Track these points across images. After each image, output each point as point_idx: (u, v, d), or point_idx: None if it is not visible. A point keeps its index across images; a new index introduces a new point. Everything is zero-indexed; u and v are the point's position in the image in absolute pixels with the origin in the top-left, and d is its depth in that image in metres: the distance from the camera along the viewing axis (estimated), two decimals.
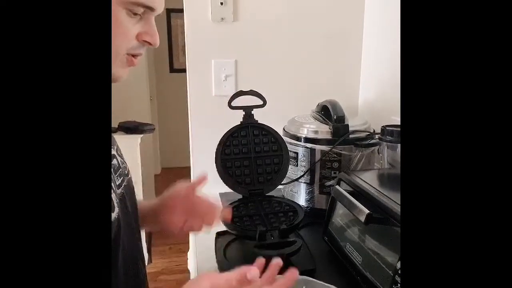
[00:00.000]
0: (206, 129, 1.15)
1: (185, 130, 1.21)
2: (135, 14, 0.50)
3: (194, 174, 1.21)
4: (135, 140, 2.27)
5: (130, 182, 0.65)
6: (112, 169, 0.58)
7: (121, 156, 0.65)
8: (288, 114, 1.05)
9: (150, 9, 0.51)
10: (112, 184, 0.56)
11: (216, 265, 0.76)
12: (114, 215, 0.54)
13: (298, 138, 0.96)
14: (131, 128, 2.23)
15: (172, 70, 4.03)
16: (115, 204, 0.55)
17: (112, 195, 0.54)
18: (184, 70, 1.20)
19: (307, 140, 0.95)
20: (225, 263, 0.74)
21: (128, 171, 0.66)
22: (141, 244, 0.67)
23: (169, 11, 3.87)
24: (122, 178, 0.62)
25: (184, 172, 1.22)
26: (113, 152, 0.61)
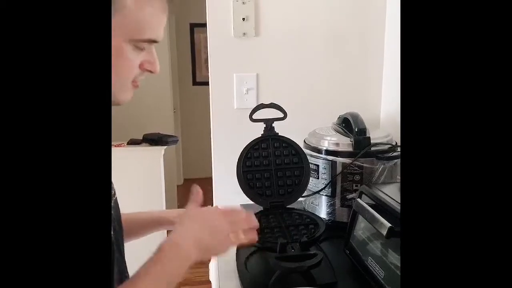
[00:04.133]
0: (228, 141, 1.17)
1: (207, 142, 1.24)
2: (141, 48, 0.54)
3: (215, 185, 1.23)
4: (159, 151, 2.32)
5: (115, 202, 0.65)
6: None
7: None
8: (309, 127, 1.06)
9: (154, 41, 0.55)
10: None
11: (237, 276, 0.76)
12: None
13: (319, 151, 0.96)
14: (155, 139, 2.28)
15: (195, 83, 4.11)
16: None
17: None
18: (206, 83, 1.23)
19: (328, 152, 0.95)
20: (246, 275, 0.75)
21: (114, 191, 0.65)
22: (125, 261, 0.68)
23: (192, 26, 3.97)
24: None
25: (206, 182, 1.23)
26: None
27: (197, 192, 0.68)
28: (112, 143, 2.36)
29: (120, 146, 2.27)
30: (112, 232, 0.58)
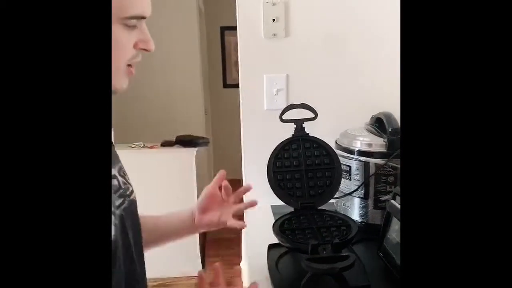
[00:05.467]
0: (258, 142, 1.18)
1: (237, 143, 1.25)
2: (130, 26, 0.52)
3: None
4: (191, 153, 2.36)
5: (132, 203, 0.64)
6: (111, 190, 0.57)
7: (123, 176, 0.64)
8: (340, 127, 1.04)
9: (142, 17, 0.54)
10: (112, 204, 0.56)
11: (268, 277, 0.76)
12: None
13: (351, 151, 0.94)
14: (187, 141, 2.33)
15: (225, 85, 4.16)
16: (112, 226, 0.54)
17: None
18: (236, 85, 1.24)
19: (361, 153, 0.93)
20: (277, 275, 0.74)
21: (131, 192, 0.64)
22: (141, 268, 0.64)
23: (223, 29, 4.02)
24: (122, 199, 0.61)
25: (236, 184, 1.24)
26: (114, 172, 0.61)
27: (221, 174, 0.78)
28: (146, 144, 2.45)
29: (153, 147, 2.33)
30: (114, 232, 0.55)
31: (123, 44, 0.53)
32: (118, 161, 0.64)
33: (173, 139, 2.37)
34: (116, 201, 0.59)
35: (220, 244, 2.76)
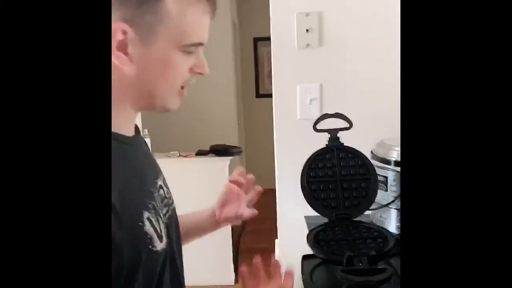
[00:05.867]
0: (291, 151, 1.17)
1: (270, 153, 1.25)
2: (189, 52, 0.55)
3: (279, 196, 1.23)
4: (225, 162, 2.39)
5: (174, 212, 0.67)
6: (159, 199, 0.60)
7: (166, 186, 0.67)
8: (376, 137, 1.02)
9: (201, 44, 0.56)
10: (160, 213, 0.58)
11: (302, 287, 0.76)
12: (162, 245, 0.56)
13: (387, 162, 0.92)
14: (221, 150, 2.37)
15: (258, 95, 4.20)
16: (163, 235, 0.57)
17: (160, 225, 0.56)
18: (269, 95, 1.25)
19: (398, 163, 0.90)
20: (311, 286, 0.73)
21: (172, 201, 0.67)
22: (182, 274, 0.67)
23: (256, 40, 4.07)
24: (167, 208, 0.63)
25: (269, 193, 1.24)
26: (160, 183, 0.64)
27: (239, 170, 0.80)
28: (181, 153, 2.51)
29: (188, 156, 2.39)
30: (166, 240, 0.58)
31: (180, 69, 0.56)
32: (161, 172, 0.67)
33: (208, 148, 2.41)
34: (163, 210, 0.61)
35: (253, 254, 2.75)
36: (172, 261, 0.62)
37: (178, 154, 2.38)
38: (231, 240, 2.52)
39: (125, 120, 0.58)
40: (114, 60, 0.50)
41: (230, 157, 2.40)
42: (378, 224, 0.92)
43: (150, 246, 0.53)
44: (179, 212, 0.72)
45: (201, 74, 0.58)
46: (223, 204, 0.80)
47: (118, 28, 0.49)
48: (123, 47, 0.51)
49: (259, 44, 4.07)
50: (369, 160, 0.88)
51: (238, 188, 0.78)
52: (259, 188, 0.82)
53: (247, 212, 0.78)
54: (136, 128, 0.63)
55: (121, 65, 0.51)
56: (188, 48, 0.55)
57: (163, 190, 0.64)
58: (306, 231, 0.82)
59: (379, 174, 0.90)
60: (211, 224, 0.81)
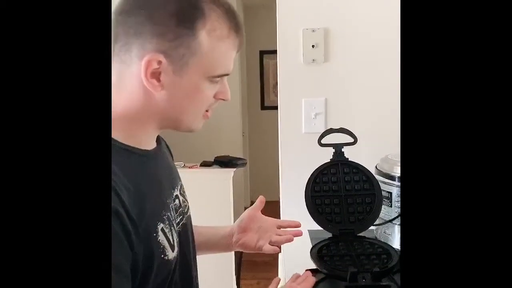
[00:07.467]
0: (296, 165, 1.18)
1: (274, 165, 1.25)
2: (215, 82, 0.59)
3: (283, 209, 1.23)
4: (229, 173, 2.40)
5: (188, 219, 0.69)
6: (173, 209, 0.62)
7: (183, 195, 0.69)
8: (381, 152, 1.02)
9: (227, 75, 0.60)
10: (174, 222, 0.60)
11: None
12: (174, 254, 0.58)
13: (392, 177, 0.92)
14: (225, 162, 2.37)
15: (263, 107, 4.21)
16: (175, 244, 0.59)
17: (173, 235, 0.59)
18: (274, 107, 1.26)
19: None
20: None
21: (188, 208, 0.70)
22: (196, 281, 0.69)
23: (262, 53, 4.11)
24: (181, 216, 0.65)
25: (273, 206, 1.24)
26: (176, 192, 0.66)
27: (261, 199, 0.81)
28: (186, 164, 2.51)
29: (193, 167, 2.39)
30: (177, 248, 0.60)
31: (206, 96, 0.60)
32: (179, 182, 0.70)
33: (212, 159, 2.42)
34: (176, 219, 0.63)
35: (256, 267, 2.73)
36: (184, 268, 0.64)
37: (183, 165, 2.39)
38: (233, 253, 2.51)
39: (147, 137, 0.61)
40: (147, 85, 0.54)
41: (235, 169, 2.40)
42: (382, 240, 0.92)
43: (162, 256, 0.56)
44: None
45: (223, 100, 0.63)
46: (244, 230, 0.79)
47: (154, 59, 0.53)
48: (156, 75, 0.54)
49: (265, 57, 4.11)
50: (373, 176, 0.88)
51: (261, 219, 0.79)
52: (262, 198, 0.82)
53: (268, 247, 0.76)
54: (158, 137, 0.66)
55: (153, 90, 0.55)
56: (216, 79, 0.59)
57: (179, 200, 0.67)
58: (310, 246, 0.82)
59: (383, 190, 0.90)
60: (226, 244, 0.81)
